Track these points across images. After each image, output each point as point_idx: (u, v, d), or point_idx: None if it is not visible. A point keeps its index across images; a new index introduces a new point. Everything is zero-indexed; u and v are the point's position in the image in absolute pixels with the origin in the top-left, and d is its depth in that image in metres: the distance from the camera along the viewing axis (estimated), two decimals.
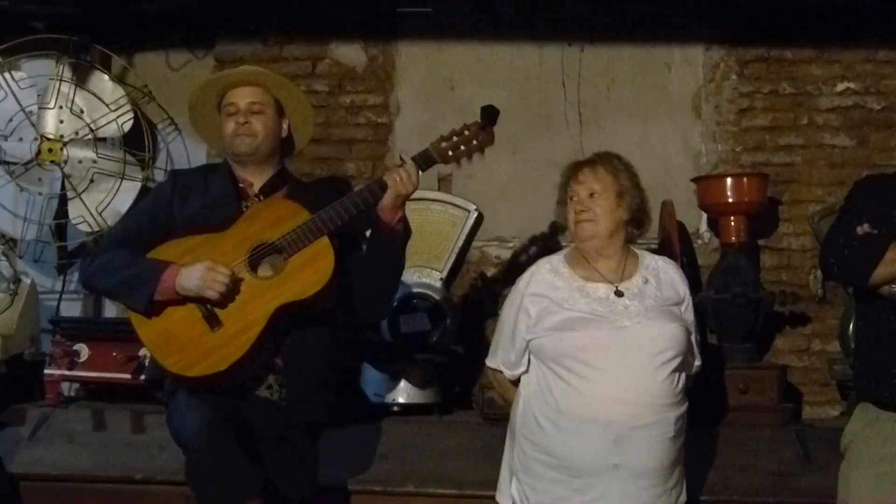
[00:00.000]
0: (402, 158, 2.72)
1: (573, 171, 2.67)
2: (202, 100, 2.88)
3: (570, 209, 2.64)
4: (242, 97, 2.79)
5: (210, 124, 2.92)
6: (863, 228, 2.55)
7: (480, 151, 2.77)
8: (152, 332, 2.63)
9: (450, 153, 2.73)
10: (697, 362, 2.64)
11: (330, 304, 2.68)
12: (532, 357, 2.61)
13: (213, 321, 2.59)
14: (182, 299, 2.61)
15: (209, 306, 2.61)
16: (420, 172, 2.70)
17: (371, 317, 2.84)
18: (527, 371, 2.64)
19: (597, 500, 2.43)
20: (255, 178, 2.81)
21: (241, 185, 2.81)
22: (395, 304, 3.70)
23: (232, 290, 2.59)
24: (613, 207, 2.59)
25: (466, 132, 2.75)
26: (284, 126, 2.88)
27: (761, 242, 4.07)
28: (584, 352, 2.47)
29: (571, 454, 2.45)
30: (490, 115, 2.77)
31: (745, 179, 3.75)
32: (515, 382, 2.68)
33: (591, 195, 2.59)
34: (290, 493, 2.64)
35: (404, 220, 2.75)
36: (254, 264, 2.64)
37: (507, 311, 2.69)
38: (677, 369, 2.50)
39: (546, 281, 2.62)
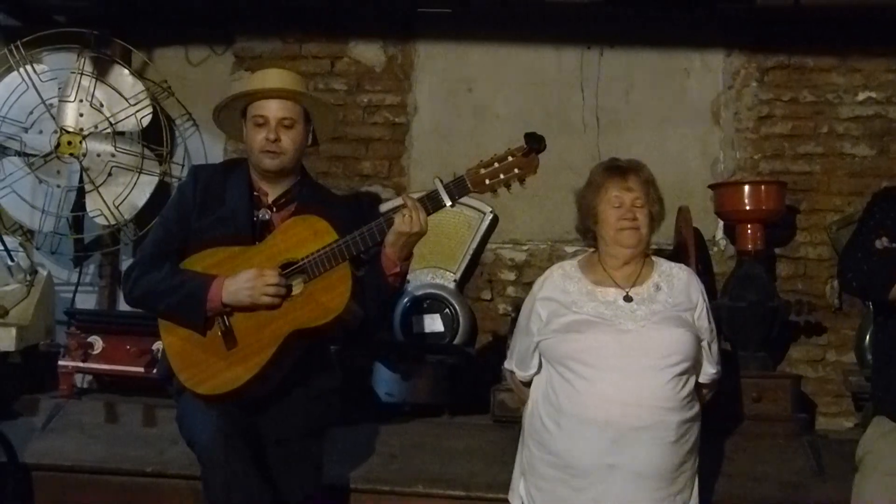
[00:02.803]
0: (435, 183, 2.57)
1: (619, 175, 2.63)
2: (229, 105, 2.80)
3: (611, 214, 2.60)
4: (273, 111, 2.70)
5: (232, 123, 2.88)
6: (881, 242, 2.53)
7: (521, 182, 2.55)
8: (175, 342, 2.63)
9: (486, 181, 2.55)
10: (712, 370, 2.61)
11: (344, 331, 2.65)
12: (542, 359, 2.62)
13: (229, 340, 2.57)
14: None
15: (228, 323, 2.58)
16: (451, 202, 2.54)
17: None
18: (538, 373, 2.65)
19: (596, 500, 2.43)
20: (272, 189, 2.76)
21: (255, 193, 2.78)
22: (408, 304, 3.72)
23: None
24: (651, 216, 2.61)
25: (510, 158, 2.56)
26: (309, 133, 2.81)
27: (778, 251, 4.04)
28: (586, 353, 2.48)
29: (571, 454, 2.47)
30: (536, 142, 2.53)
31: (762, 187, 3.73)
32: (528, 384, 2.69)
33: (637, 202, 2.59)
34: (294, 494, 2.63)
35: (403, 277, 2.65)
36: None
37: (522, 314, 2.72)
38: (682, 374, 2.49)
39: (557, 285, 2.63)
